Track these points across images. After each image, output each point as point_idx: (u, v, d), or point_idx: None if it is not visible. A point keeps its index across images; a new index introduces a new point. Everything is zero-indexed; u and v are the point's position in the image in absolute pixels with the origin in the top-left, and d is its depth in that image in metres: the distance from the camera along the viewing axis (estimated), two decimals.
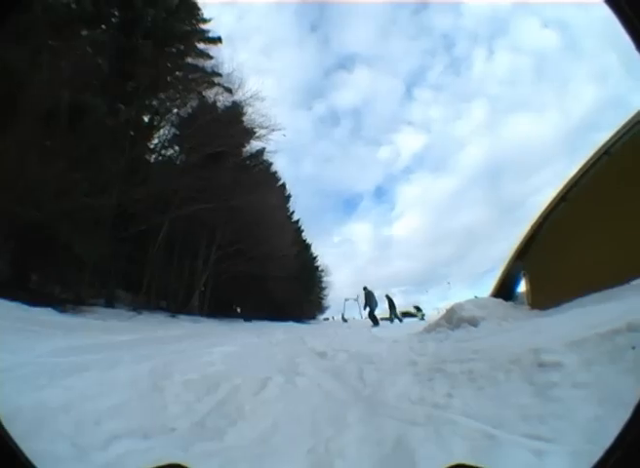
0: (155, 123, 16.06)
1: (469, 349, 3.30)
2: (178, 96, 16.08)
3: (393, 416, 2.22)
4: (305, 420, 2.23)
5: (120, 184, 11.63)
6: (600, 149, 4.81)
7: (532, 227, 5.45)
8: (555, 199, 5.20)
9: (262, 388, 2.84)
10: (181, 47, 16.45)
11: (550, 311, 4.51)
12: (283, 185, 23.40)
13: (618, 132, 4.61)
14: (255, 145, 17.99)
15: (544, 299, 4.92)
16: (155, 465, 0.97)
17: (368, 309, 12.99)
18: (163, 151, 16.58)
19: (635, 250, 4.05)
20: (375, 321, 12.65)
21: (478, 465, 1.04)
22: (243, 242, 16.21)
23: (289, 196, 24.15)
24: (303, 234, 27.48)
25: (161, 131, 16.33)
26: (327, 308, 32.17)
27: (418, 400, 2.51)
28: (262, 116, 16.50)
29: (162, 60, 14.83)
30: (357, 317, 21.99)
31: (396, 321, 13.96)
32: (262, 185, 16.59)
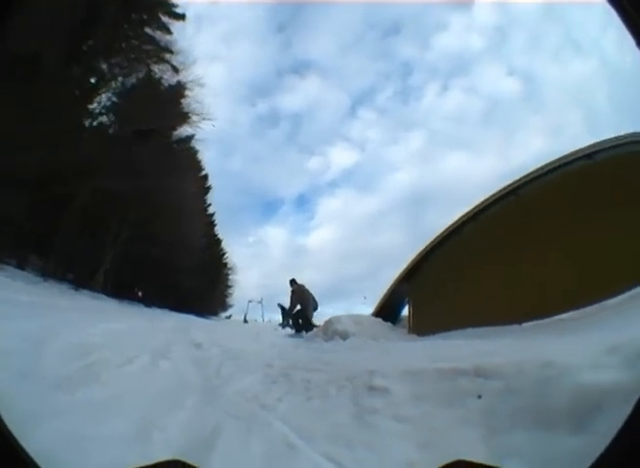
0: (99, 87, 15.46)
1: (323, 360, 3.68)
2: (126, 64, 15.65)
3: (222, 407, 2.54)
4: (148, 396, 2.49)
5: (50, 143, 11.14)
6: (505, 188, 5.03)
7: (419, 254, 5.64)
8: (446, 230, 5.38)
9: (127, 363, 3.13)
10: (145, 16, 16.09)
11: (426, 337, 4.81)
12: (205, 176, 23.01)
13: (528, 175, 4.89)
14: (185, 130, 17.75)
15: (425, 325, 5.16)
16: (154, 462, 0.99)
17: (294, 309, 9.34)
18: (99, 118, 15.98)
19: (521, 295, 4.38)
20: (299, 326, 9.03)
21: (478, 461, 1.05)
22: (155, 225, 15.91)
23: (209, 187, 23.78)
24: (216, 228, 27.10)
25: (103, 96, 15.80)
26: (230, 306, 31.87)
27: (251, 398, 2.83)
28: (198, 102, 16.42)
29: (122, 25, 14.43)
30: (259, 319, 22.11)
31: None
32: (184, 171, 16.41)
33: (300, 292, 9.37)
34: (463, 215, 5.18)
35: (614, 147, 4.20)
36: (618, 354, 1.63)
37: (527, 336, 3.73)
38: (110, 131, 15.55)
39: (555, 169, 4.58)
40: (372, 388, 2.42)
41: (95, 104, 15.92)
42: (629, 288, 3.59)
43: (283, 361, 3.96)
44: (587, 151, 4.35)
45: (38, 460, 0.90)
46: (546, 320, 4.08)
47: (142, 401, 2.38)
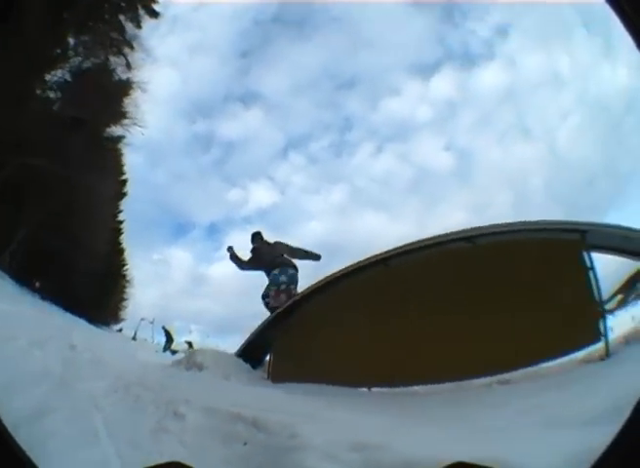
0: (60, 60, 15.09)
1: (162, 383, 4.02)
2: (90, 45, 15.45)
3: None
4: None
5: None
6: (376, 256, 5.02)
7: (292, 302, 5.59)
8: (320, 283, 5.32)
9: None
10: (124, 3, 16.05)
11: (280, 386, 4.70)
12: (125, 181, 22.18)
13: (401, 247, 4.90)
14: (117, 130, 17.39)
15: (286, 374, 4.98)
16: (156, 463, 1.02)
17: None
18: (48, 92, 15.49)
19: (374, 362, 4.37)
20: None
21: (478, 463, 1.07)
22: (67, 218, 15.33)
23: (125, 193, 22.89)
24: (122, 237, 26.01)
25: (59, 71, 15.39)
26: (123, 320, 30.12)
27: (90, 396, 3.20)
28: (136, 106, 16.07)
29: (103, 4, 14.32)
30: (149, 339, 20.81)
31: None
32: (108, 171, 16.02)
33: (264, 254, 6.72)
34: (338, 272, 5.22)
35: (498, 234, 4.48)
36: None
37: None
38: (54, 107, 15.18)
39: (431, 246, 4.73)
40: (175, 413, 2.85)
41: (50, 76, 15.70)
42: (490, 373, 3.86)
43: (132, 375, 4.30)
44: (469, 234, 4.57)
45: (37, 460, 0.91)
46: (398, 389, 4.31)
47: None
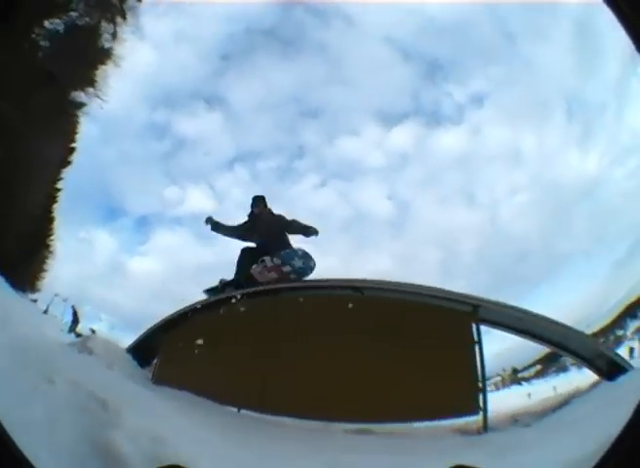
0: (57, 10, 14.74)
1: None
2: (92, 3, 15.24)
3: None
4: None
5: None
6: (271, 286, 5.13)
7: (189, 309, 5.48)
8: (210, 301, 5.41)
9: None
10: None
11: (155, 387, 4.73)
12: (73, 149, 21.38)
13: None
14: (80, 95, 17.00)
15: (167, 377, 4.99)
16: (156, 466, 1.00)
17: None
18: (41, 39, 15.05)
19: (249, 386, 4.38)
20: None
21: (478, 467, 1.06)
22: (5, 169, 14.60)
23: (70, 162, 22.10)
24: (55, 205, 24.82)
25: (57, 20, 15.02)
26: (38, 291, 28.53)
27: None
28: (105, 78, 15.94)
29: None
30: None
31: None
32: (61, 134, 15.55)
33: (264, 224, 6.01)
34: (236, 293, 5.27)
35: (390, 291, 4.56)
36: None
37: None
38: (39, 56, 14.68)
39: (324, 288, 4.88)
40: (50, 380, 2.92)
41: (48, 23, 15.22)
42: (358, 420, 3.91)
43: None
44: (359, 285, 4.67)
45: (35, 460, 0.91)
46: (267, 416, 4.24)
47: None
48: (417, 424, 4.12)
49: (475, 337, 4.05)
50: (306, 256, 5.50)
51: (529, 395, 5.73)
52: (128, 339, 6.38)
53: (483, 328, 4.25)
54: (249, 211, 6.18)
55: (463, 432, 3.90)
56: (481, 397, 3.84)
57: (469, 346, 4.01)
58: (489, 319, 4.55)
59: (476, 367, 3.93)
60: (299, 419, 4.03)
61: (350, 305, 4.50)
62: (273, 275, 5.39)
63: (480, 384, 3.88)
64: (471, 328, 4.10)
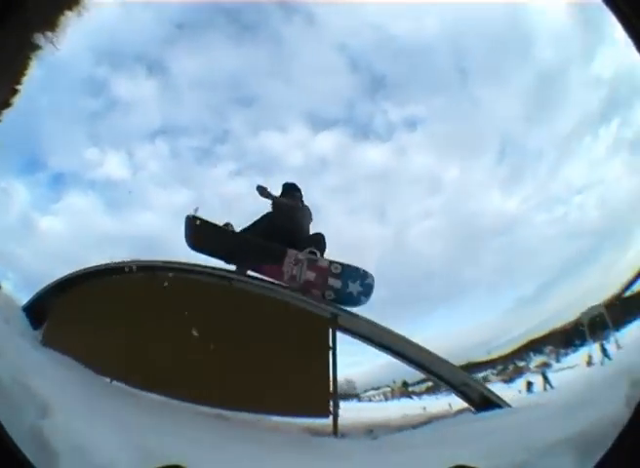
0: None
1: None
2: None
3: None
4: None
5: None
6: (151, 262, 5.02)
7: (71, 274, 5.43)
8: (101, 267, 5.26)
9: None
10: None
11: (42, 348, 4.71)
12: (16, 91, 20.34)
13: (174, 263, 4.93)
14: (39, 38, 16.13)
15: (55, 341, 4.92)
16: (155, 466, 1.02)
17: None
18: None
19: (126, 359, 4.36)
20: None
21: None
22: None
23: (10, 104, 21.01)
24: None
25: None
26: None
27: None
28: (65, 26, 15.23)
29: None
30: None
31: None
32: (9, 73, 14.75)
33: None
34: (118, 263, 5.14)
35: (259, 286, 4.67)
36: None
37: None
38: None
39: (199, 272, 4.82)
40: None
41: None
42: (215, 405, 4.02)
43: None
44: (229, 275, 4.75)
45: (35, 461, 0.93)
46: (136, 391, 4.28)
47: None
48: (275, 418, 4.29)
49: (330, 343, 4.20)
50: (369, 287, 4.57)
51: (449, 404, 5.99)
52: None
53: None
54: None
55: (314, 433, 4.10)
56: (332, 402, 4.02)
57: (325, 351, 4.17)
58: (349, 328, 4.76)
59: (329, 371, 4.11)
60: (159, 396, 4.11)
61: (220, 293, 4.68)
62: (310, 277, 4.56)
63: (332, 390, 4.07)
64: (329, 333, 4.25)
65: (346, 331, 4.79)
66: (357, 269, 4.62)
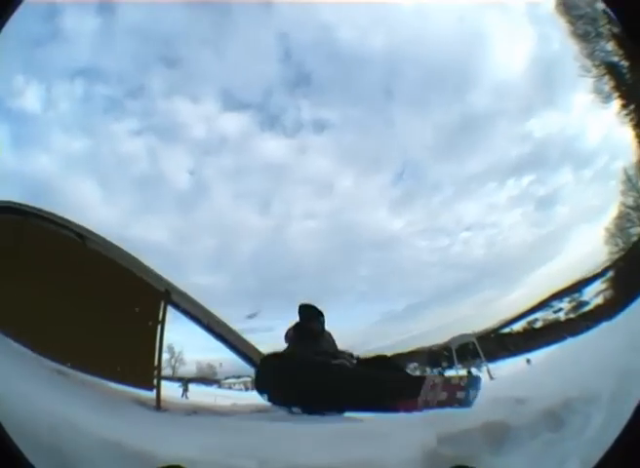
0: None
1: None
2: None
3: None
4: None
5: None
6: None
7: None
8: None
9: None
10: None
11: None
12: None
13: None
14: None
15: None
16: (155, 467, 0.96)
17: None
18: None
19: None
20: None
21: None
22: None
23: None
24: None
25: None
26: None
27: None
28: None
29: None
30: None
31: None
32: None
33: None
34: None
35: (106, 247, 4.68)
36: None
37: None
38: None
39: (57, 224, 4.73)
40: None
41: None
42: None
43: None
44: (83, 232, 4.72)
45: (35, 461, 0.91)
46: None
47: None
48: (113, 385, 4.17)
49: (160, 317, 4.31)
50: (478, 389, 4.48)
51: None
52: None
53: None
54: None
55: (141, 403, 4.11)
56: (155, 375, 4.15)
57: (157, 324, 4.28)
58: (180, 306, 4.89)
59: (156, 345, 4.23)
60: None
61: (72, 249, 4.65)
62: (442, 397, 4.24)
63: (156, 364, 4.19)
64: (159, 307, 4.35)
65: (178, 307, 4.90)
66: (477, 378, 4.69)
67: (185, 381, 6.18)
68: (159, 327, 4.30)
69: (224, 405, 5.68)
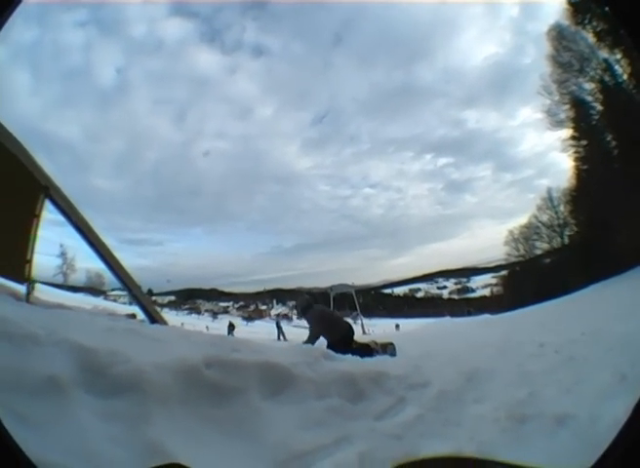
0: None
1: None
2: None
3: None
4: None
5: None
6: None
7: None
8: None
9: None
10: None
11: None
12: None
13: None
14: None
15: None
16: (156, 465, 1.00)
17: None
18: None
19: None
20: None
21: (469, 455, 1.22)
22: None
23: None
24: None
25: None
26: None
27: None
28: None
29: None
30: None
31: None
32: None
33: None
34: None
35: None
36: None
37: None
38: None
39: None
40: None
41: None
42: None
43: None
44: None
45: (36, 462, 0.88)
46: None
47: None
48: None
49: (38, 211, 4.21)
50: None
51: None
52: None
53: None
54: None
55: (11, 294, 3.92)
56: (27, 269, 4.10)
57: (32, 218, 4.17)
58: (58, 203, 4.67)
59: (29, 239, 4.14)
60: None
61: None
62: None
63: (29, 258, 4.14)
64: (39, 201, 4.23)
65: (56, 205, 4.69)
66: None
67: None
68: (34, 221, 4.21)
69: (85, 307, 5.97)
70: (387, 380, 2.96)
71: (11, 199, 4.00)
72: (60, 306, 4.68)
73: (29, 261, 4.17)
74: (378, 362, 3.83)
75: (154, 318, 5.14)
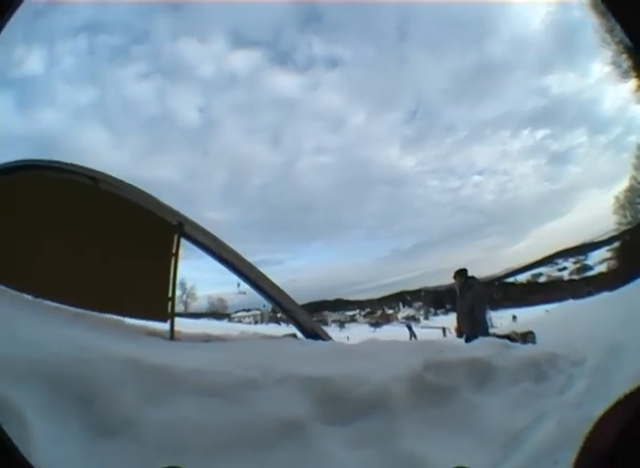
0: None
1: None
2: None
3: None
4: None
5: None
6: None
7: None
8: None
9: None
10: None
11: None
12: None
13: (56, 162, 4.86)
14: None
15: None
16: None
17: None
18: None
19: None
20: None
21: None
22: None
23: None
24: None
25: None
26: None
27: None
28: None
29: None
30: None
31: None
32: None
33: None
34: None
35: (121, 188, 4.67)
36: None
37: None
38: None
39: (61, 171, 4.76)
40: None
41: None
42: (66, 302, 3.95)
43: None
44: (94, 175, 4.75)
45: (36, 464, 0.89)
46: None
47: None
48: (128, 321, 4.29)
49: (174, 249, 4.39)
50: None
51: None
52: None
53: None
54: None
55: (153, 334, 4.21)
56: (169, 306, 4.27)
57: (172, 256, 4.36)
58: (193, 237, 5.04)
59: (170, 275, 4.32)
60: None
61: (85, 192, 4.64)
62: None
63: (170, 295, 4.30)
64: (175, 239, 4.43)
65: (190, 239, 5.06)
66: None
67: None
68: (173, 260, 4.39)
69: (234, 334, 5.95)
70: (558, 359, 3.73)
71: (153, 243, 4.37)
72: (208, 337, 4.88)
73: (172, 299, 4.36)
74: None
75: (319, 335, 5.16)
